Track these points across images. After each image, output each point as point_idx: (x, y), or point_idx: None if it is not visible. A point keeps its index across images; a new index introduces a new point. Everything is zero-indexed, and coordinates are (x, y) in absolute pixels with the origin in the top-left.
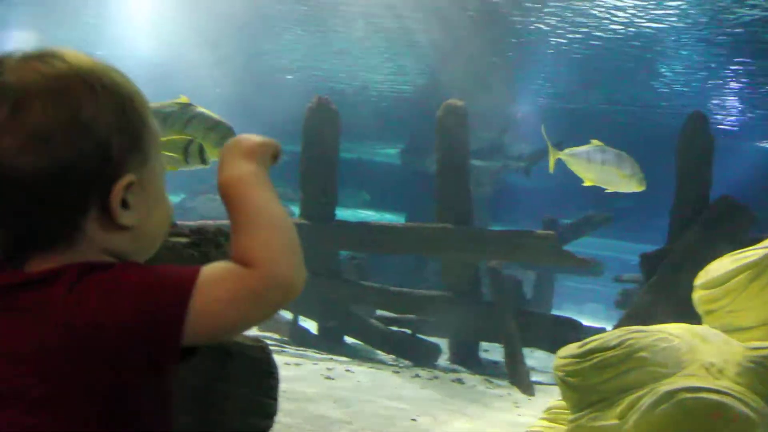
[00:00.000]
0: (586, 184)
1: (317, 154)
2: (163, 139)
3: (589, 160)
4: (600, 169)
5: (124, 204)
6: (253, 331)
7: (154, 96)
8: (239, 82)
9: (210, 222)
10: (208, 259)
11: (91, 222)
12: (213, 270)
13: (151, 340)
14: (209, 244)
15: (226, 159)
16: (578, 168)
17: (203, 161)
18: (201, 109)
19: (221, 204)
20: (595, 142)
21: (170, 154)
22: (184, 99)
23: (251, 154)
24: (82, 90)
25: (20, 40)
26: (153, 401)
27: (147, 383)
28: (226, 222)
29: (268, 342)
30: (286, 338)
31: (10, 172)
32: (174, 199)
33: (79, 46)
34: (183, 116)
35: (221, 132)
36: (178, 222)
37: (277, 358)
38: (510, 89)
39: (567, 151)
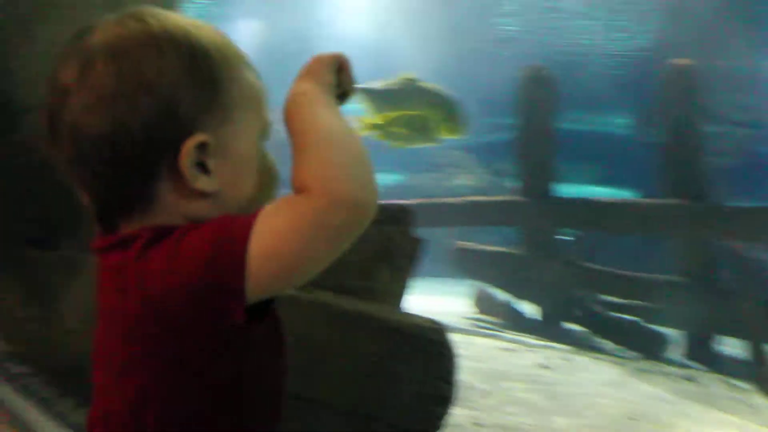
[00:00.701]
0: None
1: (534, 126)
2: (390, 115)
3: None
4: None
5: (204, 168)
6: (467, 313)
7: (370, 74)
8: (451, 55)
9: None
10: (388, 237)
11: (164, 186)
12: (269, 207)
13: (216, 297)
14: (390, 222)
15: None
16: None
17: (430, 138)
18: (426, 85)
19: (444, 181)
20: None
21: (397, 130)
22: (410, 75)
23: (306, 72)
24: (147, 49)
25: (247, 29)
26: (236, 365)
27: (226, 346)
28: (448, 199)
29: (483, 324)
30: (502, 322)
31: (80, 134)
32: (397, 177)
33: (298, 30)
34: (408, 92)
35: (447, 107)
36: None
37: (490, 342)
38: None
39: None
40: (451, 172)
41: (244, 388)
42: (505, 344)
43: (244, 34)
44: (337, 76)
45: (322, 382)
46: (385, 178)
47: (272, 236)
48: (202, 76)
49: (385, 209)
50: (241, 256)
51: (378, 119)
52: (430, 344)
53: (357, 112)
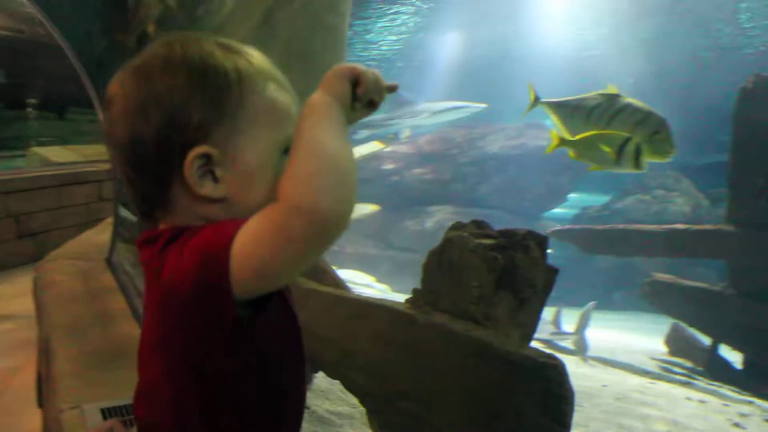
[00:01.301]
0: None
1: (753, 144)
2: (593, 134)
3: None
4: None
5: (214, 176)
6: (662, 355)
7: (570, 85)
8: (662, 65)
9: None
10: (513, 263)
11: (178, 191)
12: (257, 213)
13: (208, 293)
14: (516, 247)
15: None
16: None
17: (638, 165)
18: (630, 100)
19: (651, 205)
20: None
21: (594, 151)
22: (611, 89)
23: (322, 84)
24: (164, 70)
25: (449, 40)
26: (242, 357)
27: (226, 340)
28: (655, 227)
29: (674, 368)
30: (696, 367)
31: (114, 141)
32: (601, 199)
33: (498, 41)
34: (609, 109)
35: (652, 126)
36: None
37: (679, 390)
38: None
39: None
40: (662, 195)
41: (252, 380)
42: (695, 393)
43: (446, 44)
44: (355, 89)
45: (432, 404)
46: (581, 200)
47: (247, 238)
48: (212, 93)
49: (510, 234)
50: (225, 257)
51: (572, 136)
52: (547, 382)
53: (551, 127)
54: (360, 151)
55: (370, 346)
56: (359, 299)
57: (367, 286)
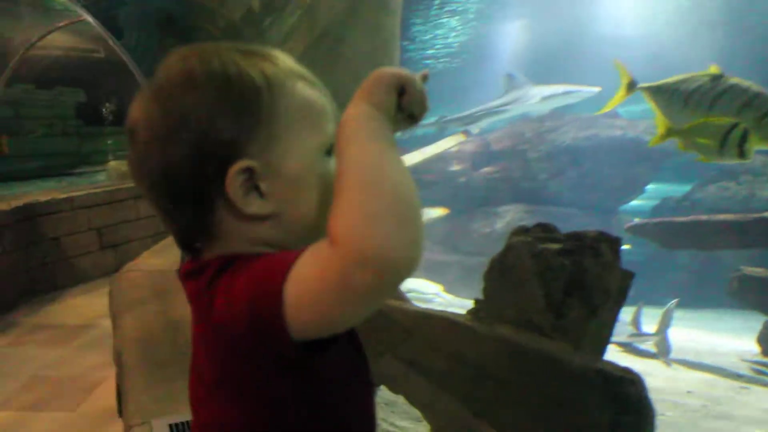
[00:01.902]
0: None
1: None
2: (705, 121)
3: None
4: None
5: (259, 191)
6: (755, 356)
7: (642, 70)
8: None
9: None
10: (582, 268)
11: (222, 213)
12: (307, 252)
13: (264, 337)
14: (586, 251)
15: None
16: None
17: (743, 154)
18: (735, 80)
19: (737, 192)
20: None
21: (704, 141)
22: (714, 69)
23: (360, 91)
24: (184, 87)
25: (512, 30)
26: (307, 398)
27: (287, 379)
28: (742, 217)
29: None
30: None
31: (143, 172)
32: (683, 188)
33: (560, 30)
34: (711, 91)
35: (761, 108)
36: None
37: None
38: None
39: None
40: (749, 182)
41: (319, 421)
42: None
43: (509, 34)
44: (400, 98)
45: (496, 421)
46: (660, 190)
47: (301, 288)
48: (241, 102)
49: (579, 236)
50: (276, 303)
51: (676, 125)
52: (623, 398)
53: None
54: (441, 145)
55: (431, 360)
56: (417, 311)
57: (435, 294)
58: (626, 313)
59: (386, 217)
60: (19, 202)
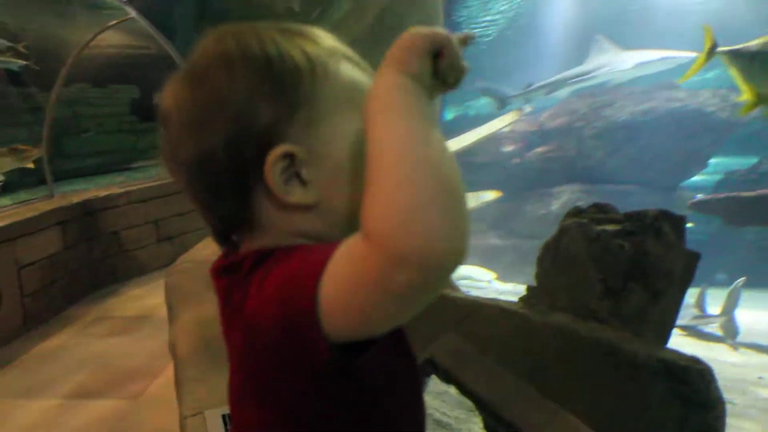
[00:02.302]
0: None
1: None
2: None
3: None
4: None
5: (301, 179)
6: None
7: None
8: None
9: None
10: (643, 251)
11: (261, 202)
12: (341, 247)
13: (296, 340)
14: (647, 232)
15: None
16: None
17: None
18: None
19: None
20: None
21: None
22: None
23: (389, 58)
24: (220, 70)
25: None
26: (345, 405)
27: (328, 386)
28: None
29: None
30: None
31: (178, 162)
32: (748, 161)
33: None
34: None
35: None
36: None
37: None
38: None
39: None
40: None
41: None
42: None
43: (560, 2)
44: (435, 62)
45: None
46: (725, 164)
47: (337, 288)
48: (281, 83)
49: (639, 216)
50: (309, 304)
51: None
52: (689, 390)
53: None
54: (495, 125)
55: (483, 350)
56: (467, 299)
57: (488, 282)
58: (690, 295)
59: (427, 207)
60: (80, 198)
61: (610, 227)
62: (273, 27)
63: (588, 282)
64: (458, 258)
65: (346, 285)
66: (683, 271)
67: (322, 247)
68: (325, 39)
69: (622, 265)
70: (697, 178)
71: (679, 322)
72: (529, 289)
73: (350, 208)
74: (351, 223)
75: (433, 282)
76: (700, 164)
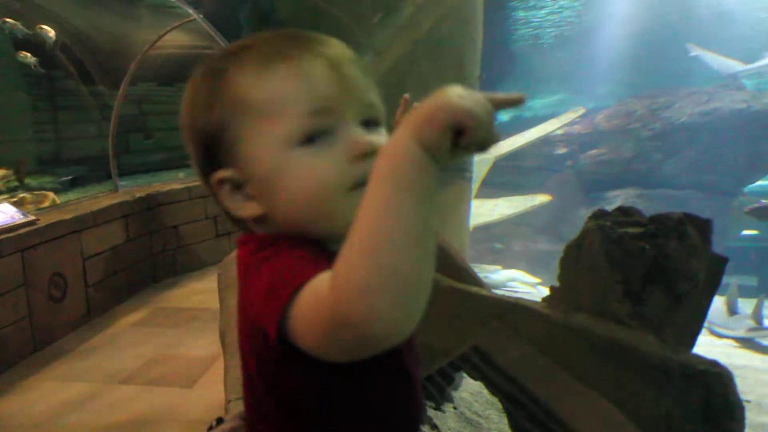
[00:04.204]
0: None
1: None
2: None
3: None
4: None
5: (248, 195)
6: None
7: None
8: None
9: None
10: (664, 254)
11: None
12: (318, 277)
13: (266, 334)
14: (669, 235)
15: None
16: None
17: None
18: None
19: None
20: None
21: None
22: None
23: (409, 121)
24: (201, 77)
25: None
26: (316, 388)
27: (293, 366)
28: None
29: None
30: None
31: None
32: None
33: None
34: None
35: None
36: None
37: None
38: None
39: None
40: None
41: (337, 415)
42: None
43: (624, 3)
44: (458, 137)
45: (576, 413)
46: None
47: (300, 314)
48: (218, 101)
49: (663, 219)
50: (279, 314)
51: None
52: (707, 393)
53: None
54: (545, 128)
55: (508, 348)
56: (494, 298)
57: (533, 287)
58: (746, 306)
59: (378, 290)
60: (142, 193)
61: (632, 230)
62: (263, 40)
63: (608, 284)
64: (395, 340)
65: (306, 314)
66: (712, 275)
67: (310, 260)
68: (269, 45)
69: (641, 268)
70: (761, 183)
71: (735, 333)
72: (552, 289)
73: (289, 215)
74: (298, 227)
75: (367, 350)
76: (764, 169)
